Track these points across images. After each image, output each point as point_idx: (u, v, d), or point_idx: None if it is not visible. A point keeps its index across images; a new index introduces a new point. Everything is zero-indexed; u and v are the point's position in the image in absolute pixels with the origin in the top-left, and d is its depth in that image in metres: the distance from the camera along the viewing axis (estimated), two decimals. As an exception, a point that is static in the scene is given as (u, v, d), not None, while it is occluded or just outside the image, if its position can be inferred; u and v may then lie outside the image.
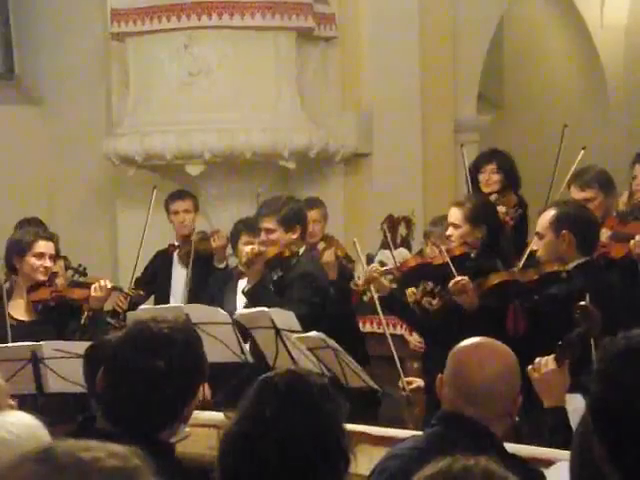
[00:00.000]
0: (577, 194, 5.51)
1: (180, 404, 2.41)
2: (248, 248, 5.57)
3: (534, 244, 4.82)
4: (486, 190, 6.34)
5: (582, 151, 6.18)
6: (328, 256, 6.35)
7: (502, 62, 10.19)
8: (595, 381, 1.76)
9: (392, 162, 7.85)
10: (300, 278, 5.45)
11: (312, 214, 6.68)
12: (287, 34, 7.54)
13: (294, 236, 5.57)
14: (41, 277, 5.43)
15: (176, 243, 6.84)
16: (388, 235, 6.19)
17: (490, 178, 6.38)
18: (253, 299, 5.43)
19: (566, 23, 9.99)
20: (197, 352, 2.48)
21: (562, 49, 10.10)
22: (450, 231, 5.18)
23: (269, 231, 5.56)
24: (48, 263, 5.44)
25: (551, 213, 4.72)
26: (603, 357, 1.80)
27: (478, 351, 2.80)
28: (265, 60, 7.48)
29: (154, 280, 6.77)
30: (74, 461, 1.14)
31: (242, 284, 5.79)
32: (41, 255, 5.43)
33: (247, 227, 6.23)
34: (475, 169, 6.49)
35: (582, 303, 3.93)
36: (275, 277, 5.57)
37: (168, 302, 6.48)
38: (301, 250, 5.60)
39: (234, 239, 6.43)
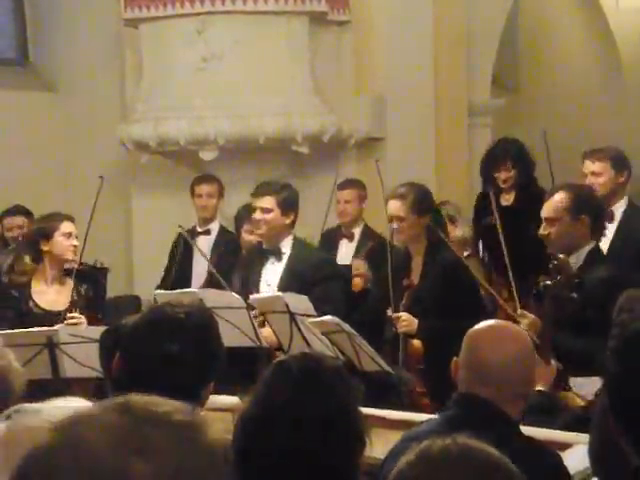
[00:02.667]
0: (588, 166, 5.50)
1: (196, 388, 2.42)
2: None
3: (543, 228, 4.71)
4: (505, 186, 6.32)
5: None
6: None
7: (517, 45, 10.15)
8: (612, 361, 1.77)
9: (405, 146, 7.84)
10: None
11: (344, 194, 6.78)
12: (300, 18, 7.53)
13: (287, 221, 5.59)
14: (71, 256, 5.42)
15: (198, 229, 6.86)
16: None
17: (507, 177, 6.34)
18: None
19: (581, 5, 9.94)
20: (213, 336, 2.49)
21: (577, 31, 10.04)
22: (396, 224, 5.17)
23: (266, 210, 5.56)
24: (76, 242, 5.45)
25: (564, 196, 4.65)
26: (620, 337, 1.80)
27: (493, 333, 2.82)
28: (278, 45, 7.47)
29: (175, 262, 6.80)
30: (149, 414, 1.19)
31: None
32: (69, 235, 5.45)
33: (249, 215, 6.24)
34: (488, 169, 6.43)
35: (561, 256, 4.05)
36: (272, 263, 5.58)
37: (189, 285, 6.47)
38: (289, 239, 5.61)
39: (237, 224, 6.46)
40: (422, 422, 2.93)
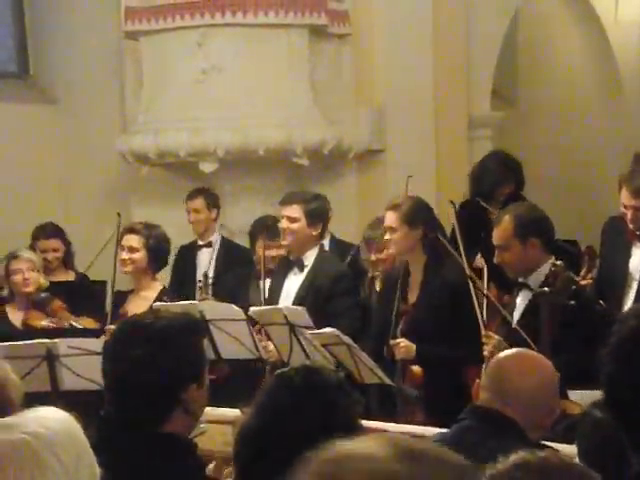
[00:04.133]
0: (628, 200, 4.95)
1: (170, 391, 2.41)
2: None
3: (497, 257, 4.63)
4: (502, 199, 6.24)
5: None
6: None
7: (516, 58, 10.15)
8: (608, 360, 1.76)
9: (405, 159, 7.82)
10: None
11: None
12: (300, 31, 7.53)
13: (314, 233, 5.49)
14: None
15: (199, 242, 6.86)
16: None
17: (509, 191, 6.28)
18: None
19: (580, 18, 9.94)
20: (188, 341, 2.48)
21: (576, 44, 10.05)
22: (388, 235, 5.13)
23: (292, 220, 5.44)
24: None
25: (508, 224, 4.58)
26: (616, 335, 1.80)
27: (521, 361, 2.87)
28: (278, 57, 7.47)
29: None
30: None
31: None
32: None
33: (266, 229, 6.20)
34: (493, 184, 6.32)
35: (558, 262, 4.08)
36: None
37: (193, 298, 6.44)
38: (314, 251, 5.55)
39: (252, 239, 6.42)
40: (421, 435, 2.94)
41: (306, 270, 5.52)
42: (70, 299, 5.96)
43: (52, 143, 8.31)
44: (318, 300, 5.31)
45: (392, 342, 4.99)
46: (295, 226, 5.44)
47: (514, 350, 2.92)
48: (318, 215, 5.48)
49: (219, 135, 7.35)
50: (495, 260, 4.66)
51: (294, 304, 5.35)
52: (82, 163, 8.26)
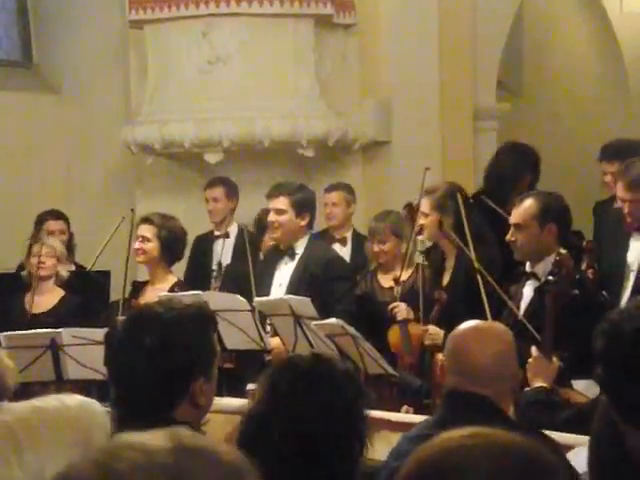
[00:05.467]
0: (624, 194, 4.98)
1: (178, 382, 2.40)
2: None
3: (511, 235, 4.65)
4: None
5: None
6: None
7: (521, 49, 10.12)
8: (603, 365, 1.75)
9: (411, 150, 7.81)
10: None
11: (330, 197, 6.69)
12: (306, 21, 7.51)
13: (302, 223, 5.52)
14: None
15: (215, 232, 6.81)
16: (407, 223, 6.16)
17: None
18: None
19: (586, 9, 9.91)
20: (200, 330, 2.47)
21: (581, 36, 10.02)
22: (421, 220, 5.18)
23: (280, 212, 5.50)
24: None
25: (532, 204, 4.60)
26: (608, 337, 1.78)
27: (476, 334, 2.87)
28: (284, 48, 7.44)
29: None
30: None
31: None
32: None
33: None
34: (513, 177, 6.25)
35: (562, 251, 4.10)
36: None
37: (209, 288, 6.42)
38: (304, 240, 5.56)
39: (259, 230, 6.40)
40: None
41: (297, 258, 5.55)
42: (71, 289, 5.95)
43: (55, 133, 8.29)
44: (312, 287, 5.32)
45: (423, 327, 5.01)
46: (282, 218, 5.49)
47: (464, 326, 2.89)
48: (304, 205, 5.54)
49: (224, 126, 7.33)
50: (507, 238, 4.67)
51: (288, 293, 5.36)
52: (86, 153, 8.25)
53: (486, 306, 4.68)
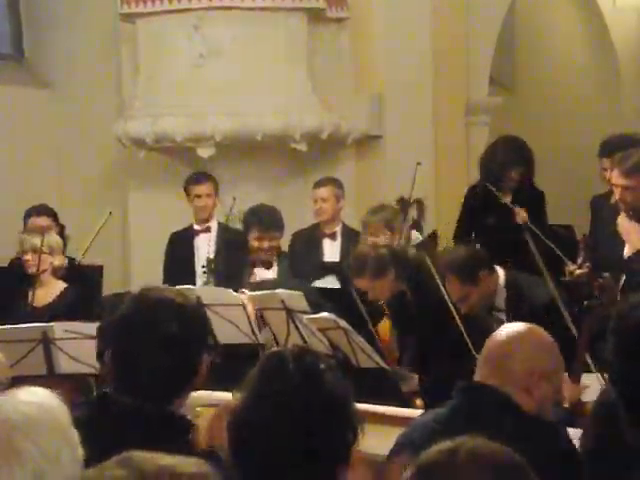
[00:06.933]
0: (619, 179, 5.03)
1: (191, 371, 2.39)
2: None
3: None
4: (512, 185, 6.22)
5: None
6: None
7: (513, 44, 10.13)
8: (614, 356, 1.75)
9: (403, 144, 7.81)
10: None
11: (319, 193, 6.68)
12: (298, 15, 7.49)
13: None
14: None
15: (196, 227, 6.79)
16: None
17: (518, 176, 6.25)
18: None
19: (579, 3, 9.92)
20: (205, 320, 2.48)
21: (574, 30, 10.03)
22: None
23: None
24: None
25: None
26: (619, 330, 1.78)
27: (513, 331, 2.79)
28: (276, 41, 7.42)
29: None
30: (155, 468, 1.22)
31: (257, 272, 5.79)
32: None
33: (259, 220, 6.17)
34: (501, 168, 6.29)
35: (606, 275, 4.07)
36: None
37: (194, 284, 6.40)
38: None
39: (245, 228, 6.38)
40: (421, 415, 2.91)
41: None
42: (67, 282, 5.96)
43: (47, 127, 8.26)
44: None
45: None
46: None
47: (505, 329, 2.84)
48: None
49: (217, 120, 7.31)
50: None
51: None
52: (78, 147, 8.23)
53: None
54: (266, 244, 6.10)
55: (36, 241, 5.88)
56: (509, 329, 2.77)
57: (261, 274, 6.18)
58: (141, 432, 2.24)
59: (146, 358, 2.36)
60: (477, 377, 2.74)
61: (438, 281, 4.86)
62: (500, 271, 4.98)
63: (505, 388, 2.67)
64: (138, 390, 2.34)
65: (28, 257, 5.85)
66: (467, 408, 2.63)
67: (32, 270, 5.82)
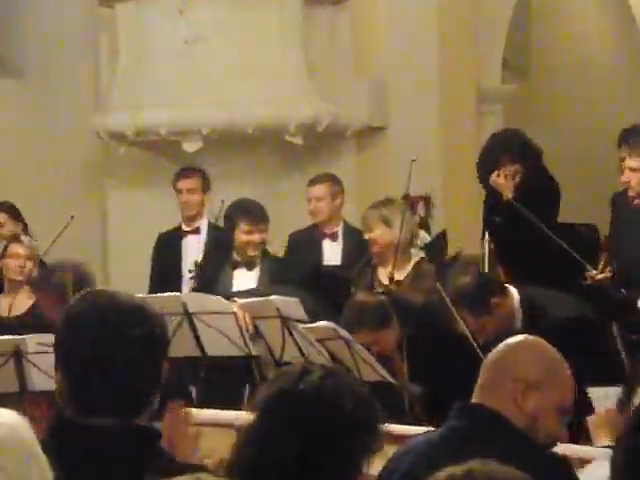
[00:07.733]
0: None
1: (158, 378, 2.34)
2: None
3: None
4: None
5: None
6: None
7: (528, 26, 10.11)
8: None
9: (409, 136, 7.80)
10: None
11: (313, 191, 6.64)
12: (292, -4, 7.50)
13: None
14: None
15: (184, 227, 6.77)
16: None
17: (510, 173, 6.23)
18: None
19: (597, -19, 9.90)
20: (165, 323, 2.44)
21: (591, 11, 10.01)
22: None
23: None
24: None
25: None
26: None
27: (505, 343, 2.85)
28: (268, 25, 7.46)
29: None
30: None
31: (238, 274, 5.83)
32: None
33: (245, 213, 6.15)
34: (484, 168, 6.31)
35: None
36: None
37: (180, 289, 6.38)
38: None
39: (229, 225, 6.34)
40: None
41: None
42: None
43: (18, 121, 8.29)
44: None
45: None
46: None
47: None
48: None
49: (203, 111, 7.36)
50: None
51: None
52: (53, 143, 8.23)
53: None
54: (257, 237, 6.11)
55: (33, 247, 5.95)
56: (505, 342, 2.84)
57: (241, 277, 6.16)
58: (109, 450, 2.24)
59: (109, 371, 2.31)
60: (473, 397, 2.79)
61: (453, 311, 4.84)
62: (513, 291, 4.99)
63: (494, 400, 2.70)
64: (103, 407, 2.29)
65: (20, 263, 5.93)
66: (460, 429, 2.69)
67: (18, 277, 5.92)
